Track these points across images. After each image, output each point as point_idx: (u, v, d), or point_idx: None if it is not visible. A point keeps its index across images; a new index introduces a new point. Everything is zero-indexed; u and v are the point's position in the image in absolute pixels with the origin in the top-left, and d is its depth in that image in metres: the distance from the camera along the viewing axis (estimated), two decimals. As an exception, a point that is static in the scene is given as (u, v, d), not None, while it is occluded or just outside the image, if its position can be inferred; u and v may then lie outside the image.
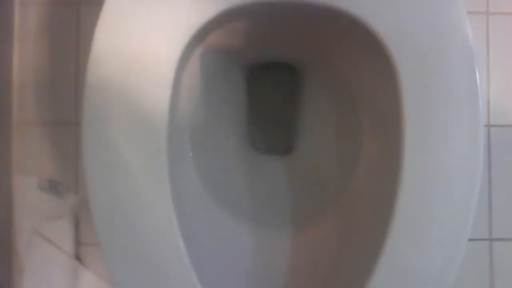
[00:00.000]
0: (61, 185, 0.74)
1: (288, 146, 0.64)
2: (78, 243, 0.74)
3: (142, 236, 0.44)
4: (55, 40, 0.77)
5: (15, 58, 0.76)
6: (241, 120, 0.61)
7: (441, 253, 0.45)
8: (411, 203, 0.44)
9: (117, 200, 0.44)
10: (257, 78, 0.63)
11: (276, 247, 0.55)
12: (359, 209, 0.52)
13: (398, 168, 0.45)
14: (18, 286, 0.72)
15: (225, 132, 0.58)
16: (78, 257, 0.74)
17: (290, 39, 0.57)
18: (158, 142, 0.44)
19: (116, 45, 0.45)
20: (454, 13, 0.46)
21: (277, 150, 0.65)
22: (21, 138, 0.76)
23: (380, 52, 0.46)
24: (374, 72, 0.50)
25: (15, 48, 0.76)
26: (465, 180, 0.45)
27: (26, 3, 0.77)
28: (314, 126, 0.61)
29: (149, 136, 0.44)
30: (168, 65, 0.44)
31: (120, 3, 0.45)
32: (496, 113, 0.75)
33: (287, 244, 0.55)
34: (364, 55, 0.50)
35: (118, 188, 0.44)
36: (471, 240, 0.73)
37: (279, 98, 0.65)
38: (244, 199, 0.57)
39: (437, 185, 0.45)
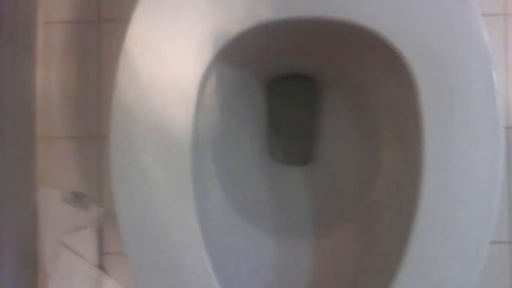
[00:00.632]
0: (85, 196, 0.76)
1: (308, 157, 0.64)
2: (101, 253, 0.75)
3: (168, 250, 0.45)
4: (78, 57, 0.78)
5: (38, 75, 0.78)
6: (261, 132, 0.62)
7: (463, 259, 0.45)
8: (432, 211, 0.45)
9: (144, 215, 0.45)
10: (276, 90, 0.64)
11: (297, 256, 0.55)
12: (379, 218, 0.53)
13: (418, 176, 0.45)
14: (44, 295, 0.73)
15: (246, 144, 0.59)
16: (101, 267, 0.75)
17: (310, 52, 0.58)
18: (183, 158, 0.45)
19: (141, 65, 0.46)
20: (470, 18, 0.46)
21: (297, 160, 0.65)
22: (45, 152, 0.78)
23: (398, 62, 0.46)
24: (392, 82, 0.50)
25: (38, 66, 0.78)
26: (486, 184, 0.45)
27: (49, 22, 0.79)
28: (333, 137, 0.61)
29: (174, 153, 0.45)
30: (192, 84, 0.46)
31: (144, 23, 0.46)
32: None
33: (308, 253, 0.55)
34: (382, 66, 0.51)
35: (144, 204, 0.45)
36: (491, 243, 0.73)
37: (298, 109, 0.66)
38: (265, 209, 0.58)
39: (458, 191, 0.45)
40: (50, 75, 0.78)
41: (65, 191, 0.76)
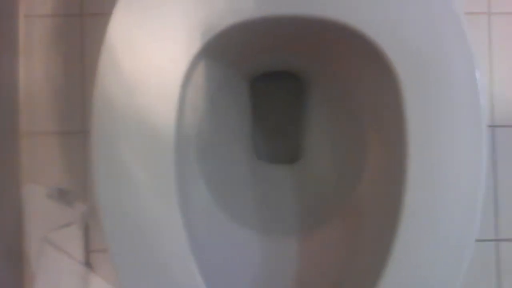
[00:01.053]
0: (71, 193, 0.75)
1: (293, 155, 0.64)
2: (88, 250, 0.75)
3: (151, 247, 0.45)
4: (60, 51, 0.77)
5: (21, 70, 0.77)
6: (246, 130, 0.62)
7: (449, 258, 0.45)
8: (417, 210, 0.45)
9: (126, 213, 0.45)
10: (261, 88, 0.63)
11: (282, 254, 0.55)
12: (365, 217, 0.53)
13: (402, 173, 0.45)
14: (30, 293, 0.73)
15: (231, 142, 0.59)
16: (88, 264, 0.75)
17: (294, 50, 0.57)
18: (166, 155, 0.45)
19: (122, 61, 0.45)
20: (453, 17, 0.46)
21: (283, 159, 0.65)
22: (29, 148, 0.77)
23: (381, 61, 0.46)
24: (375, 80, 0.50)
25: (21, 60, 0.77)
26: (470, 181, 0.45)
27: (30, 16, 0.77)
28: (318, 135, 0.61)
29: (156, 150, 0.45)
30: (174, 80, 0.45)
31: (125, 19, 0.46)
32: (500, 114, 0.75)
33: (294, 251, 0.55)
34: (366, 64, 0.50)
35: (126, 201, 0.45)
36: (477, 240, 0.73)
37: (283, 108, 0.66)
38: (250, 208, 0.57)
39: (442, 190, 0.45)
40: (32, 70, 0.77)
41: (50, 187, 0.75)
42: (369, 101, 0.53)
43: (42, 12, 0.77)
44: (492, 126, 0.75)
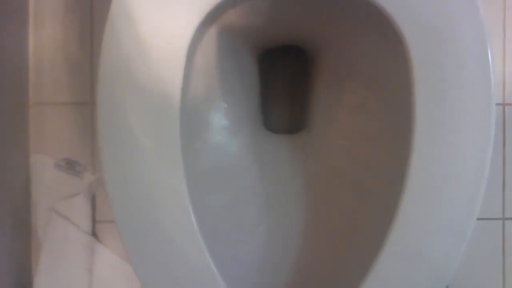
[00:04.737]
0: (78, 164, 0.75)
1: (299, 126, 0.64)
2: (94, 220, 0.76)
3: (156, 215, 0.45)
4: (70, 21, 0.77)
5: (30, 40, 0.77)
6: (253, 101, 0.61)
7: (450, 233, 0.45)
8: (420, 184, 0.45)
9: (132, 180, 0.45)
10: (269, 60, 0.63)
11: (287, 226, 0.56)
12: (368, 188, 0.53)
13: (408, 147, 0.45)
14: (36, 262, 0.74)
15: (237, 112, 0.59)
16: (94, 234, 0.75)
17: (301, 20, 0.56)
18: (171, 124, 0.44)
19: (128, 29, 0.45)
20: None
21: (289, 129, 0.65)
22: (38, 118, 0.77)
23: (392, 32, 0.45)
24: (385, 52, 0.49)
25: (30, 31, 0.77)
26: (475, 159, 0.45)
27: (40, -14, 0.77)
28: (324, 106, 0.61)
29: (162, 119, 0.45)
30: (180, 46, 0.45)
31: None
32: (511, 92, 0.74)
33: (299, 223, 0.55)
34: (375, 35, 0.50)
35: (132, 169, 0.45)
36: (484, 219, 0.74)
37: (290, 79, 0.65)
38: (256, 178, 0.57)
39: (447, 165, 0.45)
40: (42, 40, 0.77)
41: (57, 158, 0.75)
42: (376, 73, 0.53)
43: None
44: (503, 104, 0.74)
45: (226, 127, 0.57)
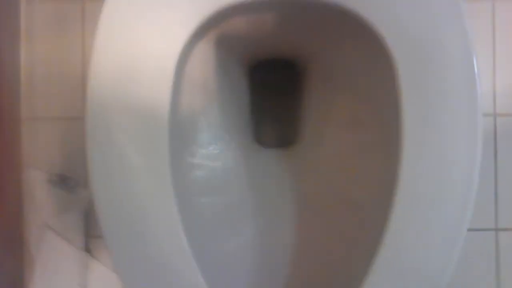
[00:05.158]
0: (71, 179, 0.75)
1: (290, 140, 0.64)
2: (87, 236, 0.75)
3: (145, 231, 0.45)
4: (61, 36, 0.77)
5: (22, 54, 0.77)
6: (243, 115, 0.62)
7: (440, 244, 0.45)
8: (410, 194, 0.45)
9: (120, 197, 0.45)
10: (258, 74, 0.63)
11: (278, 240, 0.56)
12: (359, 200, 0.53)
13: (397, 159, 0.45)
14: (29, 278, 0.74)
15: (228, 126, 0.59)
16: (88, 250, 0.75)
17: (289, 34, 0.57)
18: (160, 139, 0.45)
19: (117, 44, 0.45)
20: (451, 3, 0.46)
21: (280, 143, 0.65)
22: (30, 133, 0.77)
23: (378, 46, 0.46)
24: (372, 65, 0.50)
25: (22, 45, 0.77)
26: (464, 170, 0.45)
27: (32, 0, 0.77)
28: (315, 119, 0.61)
29: (151, 134, 0.45)
30: (169, 61, 0.45)
31: (119, 2, 0.45)
32: (502, 103, 0.74)
33: (290, 237, 0.55)
34: (362, 48, 0.50)
35: (121, 186, 0.45)
36: (477, 230, 0.73)
37: (280, 93, 0.66)
38: (246, 191, 0.57)
39: (436, 176, 0.45)
40: (34, 55, 0.77)
41: (50, 173, 0.75)
42: (366, 87, 0.53)
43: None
44: (494, 115, 0.74)
45: (216, 140, 0.57)
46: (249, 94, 0.62)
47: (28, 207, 0.75)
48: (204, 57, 0.51)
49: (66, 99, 0.77)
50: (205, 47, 0.50)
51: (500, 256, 0.75)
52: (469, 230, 0.45)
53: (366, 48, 0.49)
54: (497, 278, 0.75)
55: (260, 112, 0.64)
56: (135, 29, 0.45)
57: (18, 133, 0.77)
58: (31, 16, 0.77)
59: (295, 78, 0.64)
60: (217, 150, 0.56)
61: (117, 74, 0.45)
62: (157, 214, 0.45)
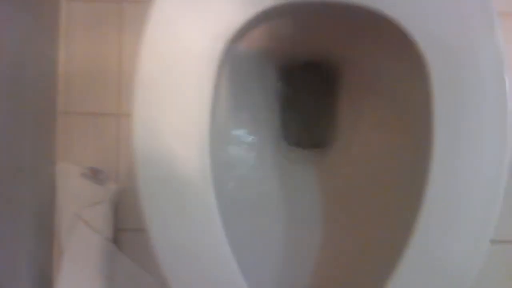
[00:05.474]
0: (102, 173, 0.77)
1: (320, 141, 0.66)
2: (116, 228, 0.77)
3: (187, 227, 0.47)
4: (99, 34, 0.80)
5: (61, 52, 0.80)
6: (275, 116, 0.64)
7: (466, 247, 0.46)
8: (439, 196, 0.46)
9: (165, 194, 0.47)
10: (292, 76, 0.65)
11: (305, 236, 0.57)
12: (388, 202, 0.54)
13: (426, 162, 0.46)
14: (58, 267, 0.76)
15: (260, 126, 0.61)
16: (116, 242, 0.77)
17: (323, 38, 0.59)
18: (202, 134, 0.46)
19: (163, 43, 0.47)
20: (485, 11, 0.47)
21: (310, 145, 0.66)
22: (65, 127, 0.80)
23: (412, 51, 0.47)
24: (405, 70, 0.51)
25: (61, 43, 0.80)
26: (492, 178, 0.46)
27: (72, 0, 0.80)
28: (345, 122, 0.62)
29: (194, 130, 0.47)
30: (211, 61, 0.47)
31: (166, 3, 0.47)
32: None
33: (317, 233, 0.57)
34: (397, 54, 0.52)
35: (165, 183, 0.47)
36: (501, 242, 0.73)
37: (312, 95, 0.67)
38: (277, 192, 0.59)
39: (465, 179, 0.46)
40: (72, 52, 0.80)
41: (83, 166, 0.78)
42: (399, 92, 0.55)
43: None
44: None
45: (248, 139, 0.59)
46: (282, 96, 0.64)
47: (60, 198, 0.77)
48: (240, 59, 0.53)
49: (101, 96, 0.80)
50: (241, 50, 0.52)
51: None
52: (493, 242, 0.46)
53: (400, 54, 0.51)
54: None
55: (292, 114, 0.66)
56: (180, 29, 0.47)
57: (53, 127, 0.80)
58: (71, 14, 0.80)
59: (327, 81, 0.66)
60: (249, 148, 0.59)
61: (162, 73, 0.47)
62: (198, 210, 0.47)
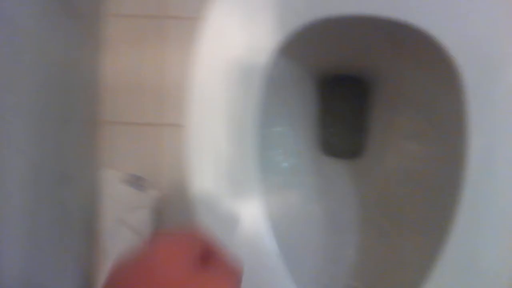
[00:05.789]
0: (144, 180, 0.81)
1: (356, 151, 0.69)
2: (156, 232, 0.81)
3: (240, 231, 0.49)
4: (142, 48, 0.84)
5: (105, 63, 0.85)
6: (313, 125, 0.67)
7: (500, 252, 0.48)
8: (473, 205, 0.48)
9: (216, 189, 0.50)
10: (329, 88, 0.68)
11: (342, 241, 0.60)
12: (422, 208, 0.56)
13: (462, 172, 0.48)
14: (100, 269, 0.80)
15: (299, 135, 0.64)
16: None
17: (363, 51, 0.61)
18: (250, 141, 0.50)
19: (214, 56, 0.51)
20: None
21: (346, 154, 0.69)
22: (108, 136, 0.84)
23: (446, 63, 0.49)
24: (438, 80, 0.53)
25: (106, 56, 0.85)
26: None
27: (118, 15, 0.85)
28: (380, 132, 0.65)
29: (243, 137, 0.50)
30: (257, 73, 0.50)
31: (219, 16, 0.51)
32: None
33: (353, 238, 0.60)
34: (430, 66, 0.54)
35: (217, 190, 0.50)
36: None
37: (349, 106, 0.70)
38: (314, 198, 0.62)
39: (498, 189, 0.48)
40: (115, 65, 0.85)
41: (125, 173, 0.82)
42: (428, 99, 0.57)
43: (129, 12, 0.85)
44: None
45: (288, 150, 0.62)
46: (319, 107, 0.67)
47: (104, 203, 0.81)
48: (282, 70, 0.56)
49: (144, 106, 0.84)
50: (285, 59, 0.55)
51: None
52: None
53: (433, 65, 0.52)
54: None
55: (329, 124, 0.69)
56: (230, 43, 0.51)
57: (97, 135, 0.84)
58: (116, 29, 0.85)
59: (363, 93, 0.68)
60: (289, 156, 0.61)
61: (215, 81, 0.50)
62: (248, 212, 0.50)
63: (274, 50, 0.51)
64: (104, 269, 0.79)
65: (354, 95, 0.70)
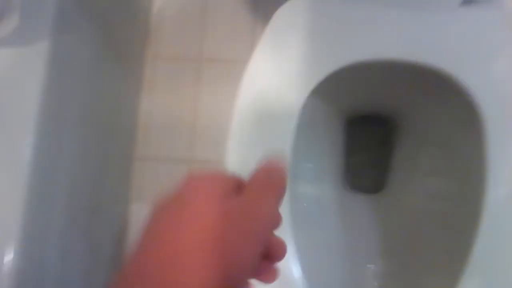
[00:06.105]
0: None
1: (380, 187, 0.71)
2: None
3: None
4: (178, 89, 0.90)
5: (142, 103, 0.90)
6: (339, 161, 0.69)
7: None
8: (490, 242, 0.50)
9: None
10: (355, 126, 0.71)
11: (365, 272, 0.62)
12: (441, 243, 0.58)
13: (479, 207, 0.50)
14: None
15: (325, 170, 0.67)
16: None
17: (385, 93, 0.65)
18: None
19: (254, 96, 0.54)
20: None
21: (370, 189, 0.72)
22: (141, 171, 0.88)
23: (467, 104, 0.52)
24: (460, 122, 0.56)
25: (143, 94, 0.90)
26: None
27: (157, 58, 0.91)
28: (402, 169, 0.67)
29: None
30: (294, 111, 0.53)
31: (259, 61, 0.55)
32: None
33: (375, 269, 0.62)
34: (452, 107, 0.56)
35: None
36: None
37: (373, 144, 0.74)
38: (339, 229, 0.65)
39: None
40: (152, 103, 0.90)
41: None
42: (451, 139, 0.59)
43: (167, 54, 0.91)
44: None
45: (314, 181, 0.64)
46: (345, 144, 0.70)
47: (133, 235, 0.84)
48: (314, 108, 0.59)
49: (175, 143, 0.88)
50: (316, 99, 0.57)
51: None
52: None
53: (454, 106, 0.55)
54: None
55: (354, 161, 0.72)
56: (270, 86, 0.54)
57: (129, 170, 0.88)
58: (155, 71, 0.90)
59: (386, 132, 0.72)
60: (315, 190, 0.64)
61: (255, 120, 0.53)
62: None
63: (310, 91, 0.54)
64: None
65: (379, 133, 0.73)
